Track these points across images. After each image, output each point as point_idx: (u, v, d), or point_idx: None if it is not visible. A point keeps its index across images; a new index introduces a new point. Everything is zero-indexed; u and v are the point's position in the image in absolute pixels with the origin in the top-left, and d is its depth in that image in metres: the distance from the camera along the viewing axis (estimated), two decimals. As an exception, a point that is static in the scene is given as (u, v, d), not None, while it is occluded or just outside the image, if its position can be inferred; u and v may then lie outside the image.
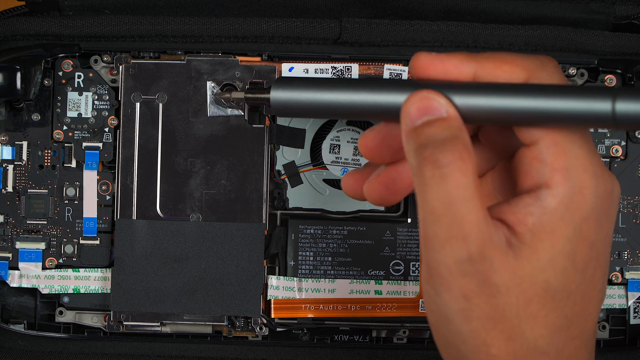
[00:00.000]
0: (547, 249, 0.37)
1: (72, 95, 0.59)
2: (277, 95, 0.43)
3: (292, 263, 0.58)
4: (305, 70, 0.59)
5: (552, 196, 0.37)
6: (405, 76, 0.59)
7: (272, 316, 0.58)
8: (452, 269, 0.37)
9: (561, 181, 0.37)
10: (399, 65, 0.59)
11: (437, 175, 0.37)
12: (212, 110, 0.58)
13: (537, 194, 0.37)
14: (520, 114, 0.38)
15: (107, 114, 0.59)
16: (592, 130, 0.59)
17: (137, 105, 0.58)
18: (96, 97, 0.59)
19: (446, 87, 0.39)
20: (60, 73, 0.59)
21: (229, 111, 0.58)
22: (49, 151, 0.59)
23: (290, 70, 0.59)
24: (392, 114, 0.40)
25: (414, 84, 0.40)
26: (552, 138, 0.38)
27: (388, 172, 0.43)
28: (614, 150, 0.59)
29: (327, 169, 0.59)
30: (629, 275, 0.59)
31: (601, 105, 0.37)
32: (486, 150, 0.43)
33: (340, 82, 0.42)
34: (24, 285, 0.59)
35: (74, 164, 0.59)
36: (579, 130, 0.38)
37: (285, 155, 0.59)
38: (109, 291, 0.59)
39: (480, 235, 0.37)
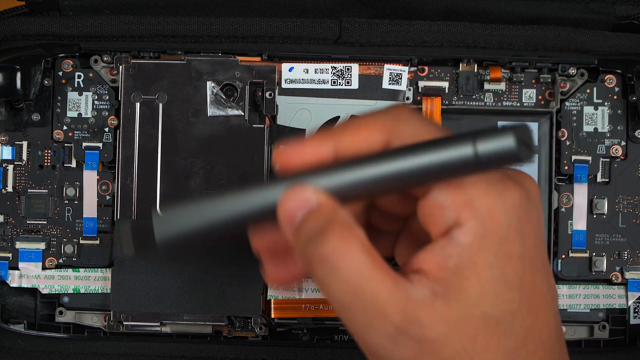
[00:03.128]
0: (474, 284, 0.36)
1: (72, 95, 0.59)
2: (161, 230, 0.40)
3: (292, 263, 0.58)
4: (305, 70, 0.59)
5: (464, 233, 0.36)
6: (405, 77, 0.59)
7: (272, 316, 0.58)
8: (386, 346, 0.36)
9: (468, 216, 0.37)
10: (399, 65, 0.59)
11: (328, 269, 0.36)
12: (212, 110, 0.58)
13: (450, 235, 0.37)
14: (388, 181, 0.37)
15: (107, 114, 0.59)
16: (591, 130, 0.59)
17: (137, 105, 0.58)
18: (96, 97, 0.59)
19: (311, 175, 0.38)
20: (60, 73, 0.59)
21: (229, 111, 0.58)
22: (49, 151, 0.59)
23: (290, 70, 0.59)
24: (271, 214, 0.39)
25: (281, 180, 0.39)
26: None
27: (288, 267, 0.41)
28: (614, 150, 0.59)
29: (327, 169, 0.59)
30: (629, 275, 0.59)
31: (464, 151, 0.36)
32: (388, 214, 0.42)
33: (209, 196, 0.40)
34: (24, 285, 0.59)
35: (74, 164, 0.59)
36: None
37: (285, 155, 0.59)
38: (109, 291, 0.58)
39: (399, 304, 0.36)
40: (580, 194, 0.59)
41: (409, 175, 0.37)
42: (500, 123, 0.59)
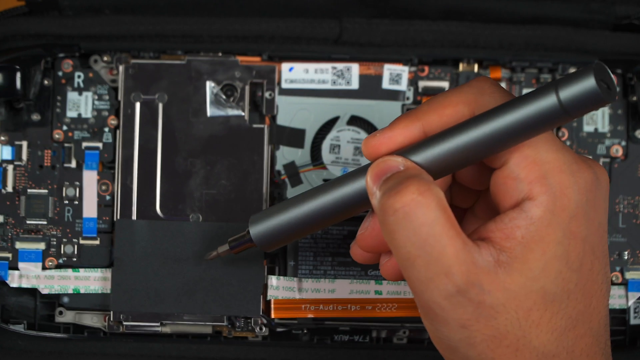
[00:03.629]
0: (539, 258, 0.37)
1: (72, 95, 0.59)
2: (257, 230, 0.44)
3: (292, 263, 0.58)
4: (305, 70, 0.59)
5: (535, 206, 0.37)
6: (405, 77, 0.59)
7: (272, 316, 0.58)
8: (443, 305, 0.37)
9: (541, 190, 0.37)
10: (399, 65, 0.59)
11: (401, 218, 0.37)
12: (212, 110, 0.58)
13: (521, 207, 0.37)
14: (477, 145, 0.38)
15: (107, 114, 0.59)
16: (591, 130, 0.59)
17: (137, 105, 0.58)
18: (96, 97, 0.59)
19: (401, 153, 0.39)
20: (60, 73, 0.59)
21: (229, 111, 0.58)
22: (49, 151, 0.59)
23: (290, 70, 0.59)
24: (364, 200, 0.40)
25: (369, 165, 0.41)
26: (519, 153, 0.38)
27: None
28: (614, 150, 0.59)
29: (327, 169, 0.59)
30: (629, 275, 0.59)
31: (548, 102, 0.36)
32: (464, 187, 0.43)
33: (306, 194, 0.42)
34: (24, 285, 0.59)
35: (73, 164, 0.59)
36: (542, 135, 0.38)
37: (285, 155, 0.59)
38: (109, 291, 0.58)
39: (463, 265, 0.36)
40: (581, 194, 0.59)
41: (500, 137, 0.37)
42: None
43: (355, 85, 0.59)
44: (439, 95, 0.40)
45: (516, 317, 0.37)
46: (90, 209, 0.59)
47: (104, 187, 0.59)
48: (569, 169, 0.38)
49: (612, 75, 0.36)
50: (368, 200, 0.40)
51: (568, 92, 0.36)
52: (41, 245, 0.59)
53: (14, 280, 0.59)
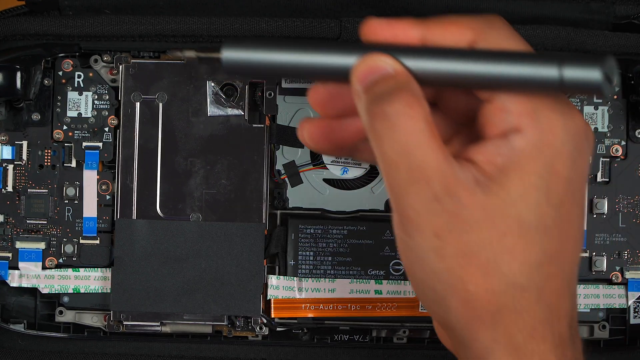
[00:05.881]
0: (517, 184, 0.37)
1: (72, 95, 0.59)
2: (228, 54, 0.43)
3: (292, 263, 0.59)
4: (305, 70, 0.59)
5: (520, 138, 0.37)
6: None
7: (272, 316, 0.58)
8: (420, 210, 0.37)
9: (529, 124, 0.37)
10: (399, 65, 0.59)
11: (387, 126, 0.37)
12: (212, 110, 0.58)
13: (507, 137, 0.38)
14: (465, 77, 0.38)
15: (107, 113, 0.59)
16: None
17: (137, 105, 0.58)
18: (96, 96, 0.59)
19: (394, 50, 0.40)
20: (60, 73, 0.59)
21: (229, 111, 0.58)
22: (49, 151, 0.59)
23: (290, 70, 0.59)
24: (341, 76, 0.40)
25: (363, 47, 0.40)
26: None
27: (328, 121, 0.43)
28: (614, 150, 0.59)
29: (327, 169, 0.59)
30: (629, 275, 0.59)
31: (548, 72, 0.37)
32: (447, 117, 0.43)
33: (291, 43, 0.42)
34: (24, 285, 0.59)
35: (74, 164, 0.59)
36: None
37: (285, 155, 0.59)
38: (109, 291, 0.59)
39: (443, 175, 0.37)
40: (580, 193, 0.59)
41: (491, 79, 0.38)
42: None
43: (355, 85, 0.59)
44: (449, 15, 0.41)
45: (489, 238, 0.37)
46: (90, 209, 0.59)
47: (104, 187, 0.59)
48: (560, 110, 0.38)
49: (616, 72, 0.36)
50: (347, 78, 0.40)
51: (572, 73, 0.36)
52: (41, 245, 0.59)
53: (14, 279, 0.59)
